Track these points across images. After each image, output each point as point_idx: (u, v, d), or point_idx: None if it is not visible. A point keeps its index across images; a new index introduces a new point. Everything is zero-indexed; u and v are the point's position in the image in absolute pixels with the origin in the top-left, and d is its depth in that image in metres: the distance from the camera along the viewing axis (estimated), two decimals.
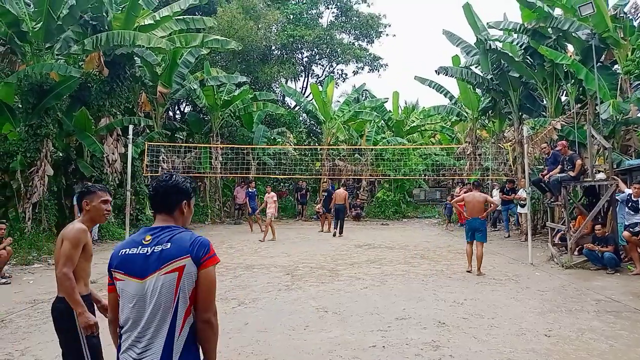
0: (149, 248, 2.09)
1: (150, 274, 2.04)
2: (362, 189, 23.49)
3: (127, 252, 2.12)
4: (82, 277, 3.27)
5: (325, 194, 17.38)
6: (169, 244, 2.07)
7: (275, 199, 14.51)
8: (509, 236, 14.52)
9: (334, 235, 15.15)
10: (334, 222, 15.68)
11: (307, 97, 26.69)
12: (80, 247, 3.22)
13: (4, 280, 8.20)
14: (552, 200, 10.87)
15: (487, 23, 15.34)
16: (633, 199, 8.80)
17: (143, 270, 2.06)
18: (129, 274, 2.08)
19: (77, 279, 3.21)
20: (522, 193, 14.17)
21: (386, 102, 24.35)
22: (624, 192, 9.19)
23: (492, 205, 9.41)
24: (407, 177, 20.96)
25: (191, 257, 2.03)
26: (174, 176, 2.26)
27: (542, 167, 12.64)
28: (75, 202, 11.76)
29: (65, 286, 3.14)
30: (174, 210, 2.22)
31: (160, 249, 2.06)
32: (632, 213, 8.82)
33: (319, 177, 20.94)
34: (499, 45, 15.11)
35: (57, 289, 3.23)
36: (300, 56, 29.58)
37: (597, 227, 9.14)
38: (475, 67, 16.72)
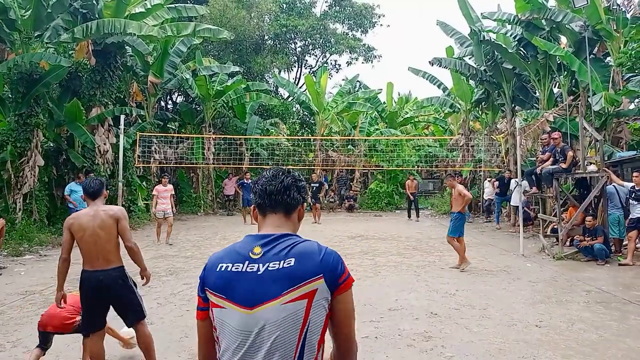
0: (261, 265, 1.51)
1: (265, 302, 1.48)
2: (355, 181, 23.51)
3: (228, 268, 1.53)
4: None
5: (317, 185, 17.35)
6: (292, 259, 1.51)
7: (172, 192, 11.82)
8: (499, 228, 14.62)
9: (415, 220, 17.11)
10: (415, 210, 17.45)
11: (300, 87, 26.55)
12: None
13: None
14: (532, 191, 11.25)
15: (481, 14, 15.31)
16: (636, 188, 8.71)
17: (253, 296, 1.48)
18: (231, 299, 1.50)
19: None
20: (512, 185, 14.26)
21: (380, 93, 24.31)
22: (623, 187, 9.16)
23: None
24: (400, 169, 21.00)
25: (324, 279, 1.50)
26: (291, 171, 1.76)
27: (535, 158, 12.72)
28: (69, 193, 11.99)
29: (137, 252, 3.90)
30: (293, 211, 1.68)
31: (277, 266, 1.50)
32: (635, 203, 8.68)
33: (312, 167, 20.90)
34: (493, 36, 15.10)
35: (110, 261, 3.75)
36: (293, 46, 29.35)
37: (588, 218, 9.21)
38: (469, 59, 16.72)
